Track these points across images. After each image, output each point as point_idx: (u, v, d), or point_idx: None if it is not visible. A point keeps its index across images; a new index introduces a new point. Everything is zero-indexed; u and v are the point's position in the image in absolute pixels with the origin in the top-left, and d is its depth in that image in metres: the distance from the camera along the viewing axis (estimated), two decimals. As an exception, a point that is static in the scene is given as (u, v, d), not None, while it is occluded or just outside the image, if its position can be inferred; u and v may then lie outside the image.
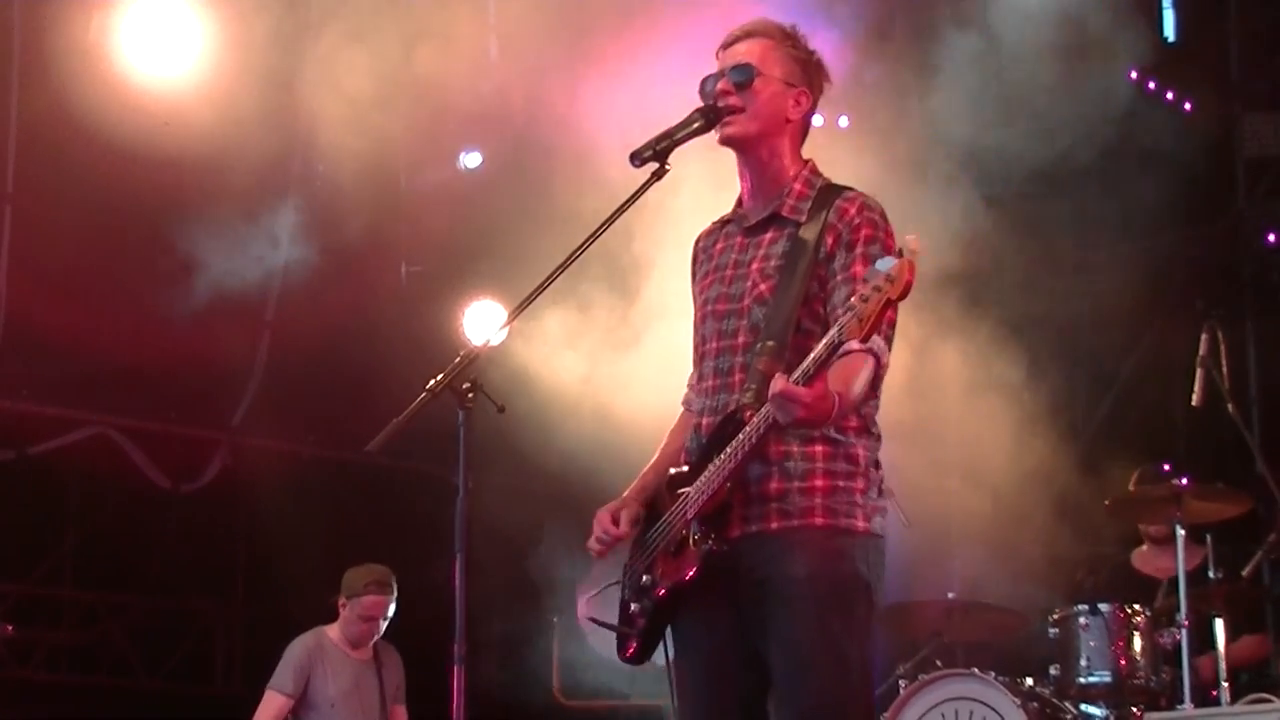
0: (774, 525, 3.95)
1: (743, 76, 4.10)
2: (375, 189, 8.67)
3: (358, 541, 9.75)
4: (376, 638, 7.74)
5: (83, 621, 10.17)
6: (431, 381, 3.95)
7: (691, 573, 3.97)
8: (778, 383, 3.65)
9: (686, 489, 4.03)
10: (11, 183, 8.59)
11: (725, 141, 4.14)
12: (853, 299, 3.66)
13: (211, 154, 8.22)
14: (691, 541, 3.97)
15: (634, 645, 4.14)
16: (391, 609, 7.69)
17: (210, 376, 9.33)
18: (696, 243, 4.35)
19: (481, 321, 8.48)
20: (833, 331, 3.69)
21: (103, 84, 8.16)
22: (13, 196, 8.59)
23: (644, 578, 4.11)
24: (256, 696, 7.70)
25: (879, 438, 4.09)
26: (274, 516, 9.48)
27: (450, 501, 3.92)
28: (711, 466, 3.95)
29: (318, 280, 8.75)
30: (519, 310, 4.07)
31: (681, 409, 4.36)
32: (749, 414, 3.85)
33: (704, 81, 4.16)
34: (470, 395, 3.97)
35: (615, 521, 4.14)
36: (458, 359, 3.98)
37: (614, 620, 4.20)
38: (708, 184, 4.80)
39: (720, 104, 4.10)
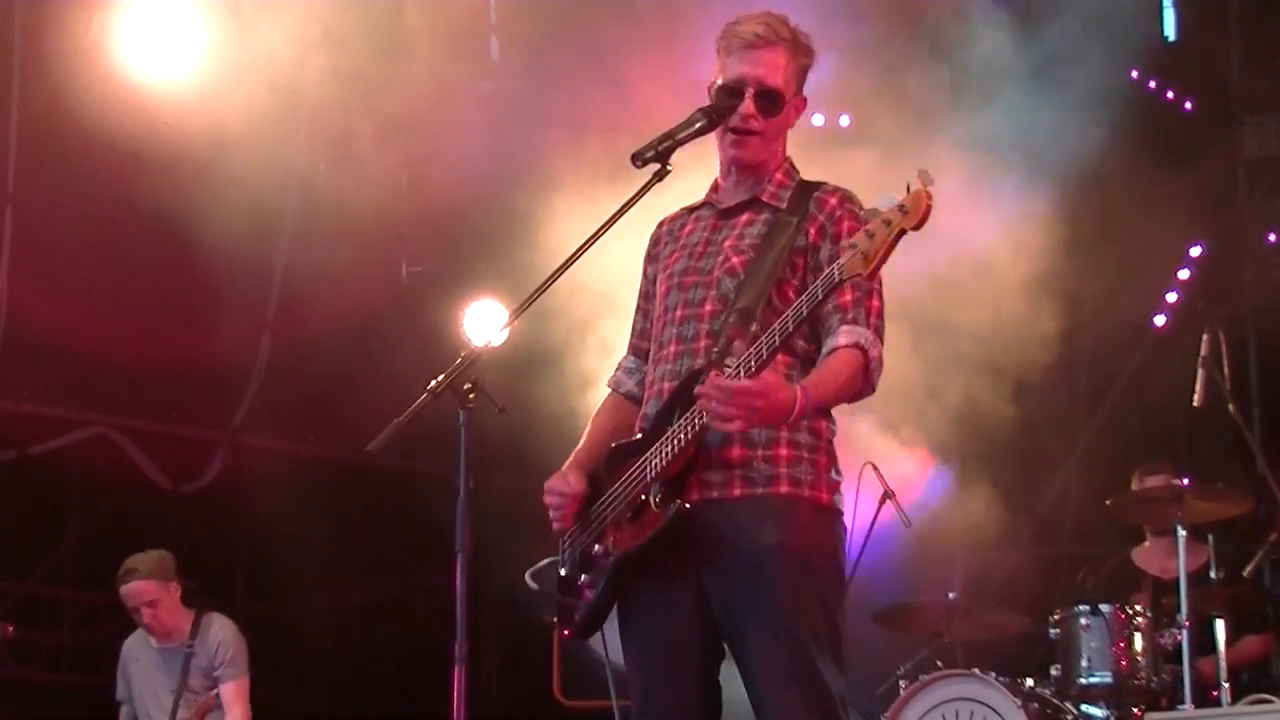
0: (737, 492, 3.90)
1: (772, 106, 4.05)
2: (376, 189, 8.67)
3: (358, 542, 9.77)
4: (169, 622, 7.26)
5: (83, 621, 10.17)
6: (433, 382, 3.94)
7: (656, 529, 3.87)
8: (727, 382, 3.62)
9: (634, 459, 3.96)
10: (12, 183, 8.58)
11: (735, 162, 4.11)
12: (853, 237, 3.63)
13: (211, 154, 8.21)
14: (654, 503, 3.89)
15: (580, 618, 4.09)
16: (147, 592, 7.18)
17: (210, 376, 9.32)
18: (660, 226, 4.32)
19: (481, 321, 8.47)
20: (832, 268, 3.66)
21: (103, 84, 8.16)
22: (13, 196, 8.58)
23: (595, 548, 4.04)
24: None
25: (833, 419, 4.04)
26: (274, 516, 9.47)
27: (450, 501, 3.91)
28: (674, 426, 3.88)
29: (318, 280, 8.74)
30: (519, 310, 4.06)
31: (609, 390, 4.34)
32: (716, 372, 3.79)
33: (722, 89, 4.07)
34: (471, 396, 3.96)
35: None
36: (459, 359, 3.97)
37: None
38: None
39: (741, 125, 4.04)
